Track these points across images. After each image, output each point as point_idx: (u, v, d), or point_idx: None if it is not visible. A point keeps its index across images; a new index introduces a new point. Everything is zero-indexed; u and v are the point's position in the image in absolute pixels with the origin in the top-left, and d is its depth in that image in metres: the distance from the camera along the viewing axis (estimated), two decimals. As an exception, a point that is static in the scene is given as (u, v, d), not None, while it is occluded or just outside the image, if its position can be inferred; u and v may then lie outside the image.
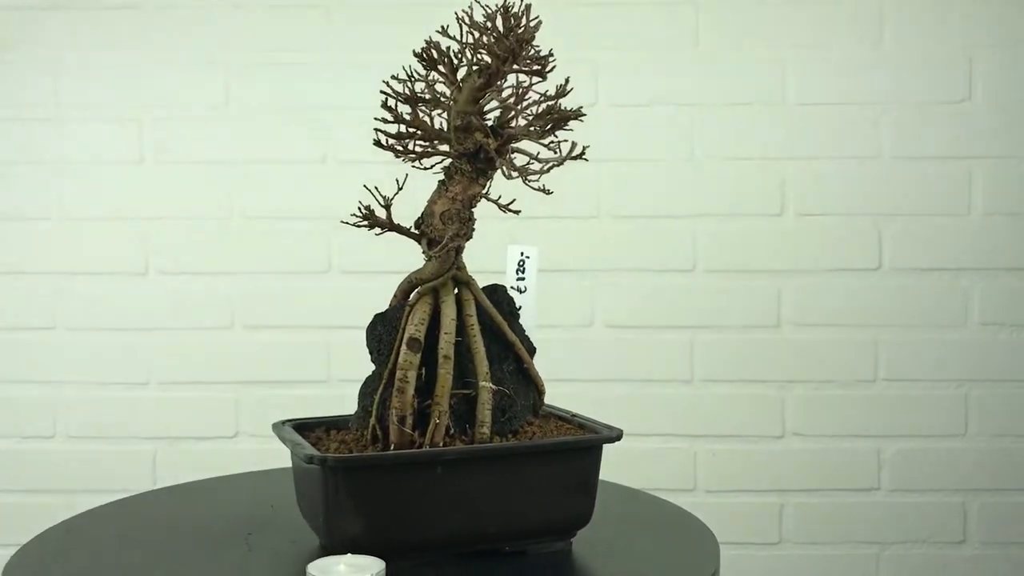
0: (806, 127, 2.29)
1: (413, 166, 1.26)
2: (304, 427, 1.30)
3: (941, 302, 2.28)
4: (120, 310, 2.31)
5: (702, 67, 2.29)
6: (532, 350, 1.32)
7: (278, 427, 1.29)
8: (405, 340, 1.20)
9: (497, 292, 1.33)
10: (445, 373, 1.20)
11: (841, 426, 2.30)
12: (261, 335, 2.32)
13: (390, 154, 2.35)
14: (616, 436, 1.24)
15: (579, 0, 2.27)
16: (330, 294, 2.31)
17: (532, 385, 1.30)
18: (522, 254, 1.39)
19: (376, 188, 1.25)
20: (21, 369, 2.32)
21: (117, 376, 2.32)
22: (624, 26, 2.28)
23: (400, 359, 1.19)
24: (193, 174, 2.31)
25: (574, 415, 1.33)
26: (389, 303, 1.29)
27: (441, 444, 1.18)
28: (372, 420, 1.20)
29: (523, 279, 1.40)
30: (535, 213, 1.37)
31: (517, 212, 1.27)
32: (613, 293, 2.30)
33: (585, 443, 1.24)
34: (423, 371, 1.20)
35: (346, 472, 1.13)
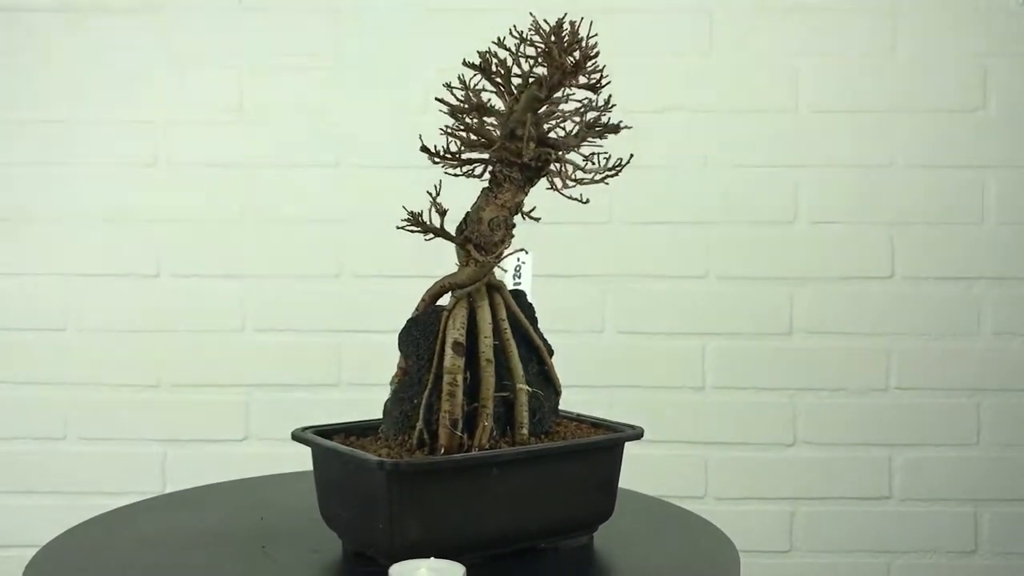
0: (819, 135, 2.28)
1: (446, 172, 1.26)
2: (322, 434, 1.30)
3: (954, 311, 2.28)
4: (131, 312, 2.32)
5: (715, 74, 2.29)
6: (551, 352, 1.34)
7: (304, 434, 1.27)
8: (450, 344, 1.21)
9: (519, 297, 1.35)
10: (489, 376, 1.22)
11: (852, 434, 2.29)
12: (272, 338, 2.32)
13: (403, 158, 2.36)
14: (639, 434, 1.32)
15: (591, 6, 2.26)
16: (341, 297, 2.31)
17: (551, 386, 1.33)
18: (518, 259, 1.41)
19: (433, 192, 1.25)
20: (31, 371, 2.32)
21: (127, 378, 2.32)
22: (637, 32, 2.28)
23: (447, 363, 1.20)
24: (205, 177, 2.32)
25: (579, 415, 1.38)
26: (416, 307, 1.29)
27: (488, 446, 1.21)
28: (419, 425, 1.20)
29: (519, 283, 1.42)
30: (547, 218, 1.38)
31: (537, 219, 1.28)
32: (624, 299, 2.30)
33: (616, 440, 1.31)
34: (467, 375, 1.22)
35: (415, 477, 1.14)
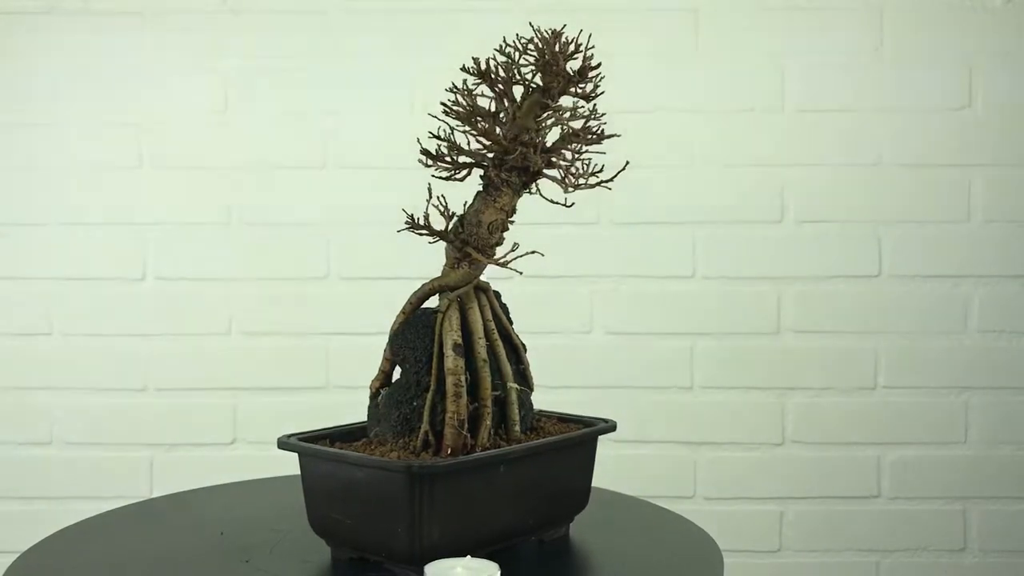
0: (806, 133, 2.28)
1: (435, 176, 1.28)
2: (306, 441, 1.29)
3: (941, 309, 2.28)
4: (118, 316, 2.31)
5: (702, 73, 2.29)
6: (525, 350, 1.37)
7: (299, 444, 1.26)
8: (450, 346, 1.23)
9: (497, 297, 1.36)
10: (486, 376, 1.25)
11: (841, 433, 2.29)
12: (259, 341, 2.31)
13: (389, 160, 2.36)
14: (613, 426, 1.37)
15: (577, 6, 2.27)
16: (328, 300, 2.30)
17: (526, 383, 1.36)
18: None
19: (443, 197, 1.28)
20: (18, 375, 2.31)
21: (114, 382, 2.31)
22: (623, 32, 2.28)
23: (450, 365, 1.22)
24: (191, 180, 2.31)
25: (540, 411, 1.41)
26: (403, 309, 1.29)
27: (488, 445, 1.24)
28: (424, 426, 1.21)
29: None
30: (535, 219, 1.38)
31: (511, 222, 1.29)
32: (613, 299, 2.30)
33: (598, 433, 1.36)
34: (467, 375, 1.24)
35: (437, 479, 1.16)
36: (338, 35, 2.30)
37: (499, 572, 1.07)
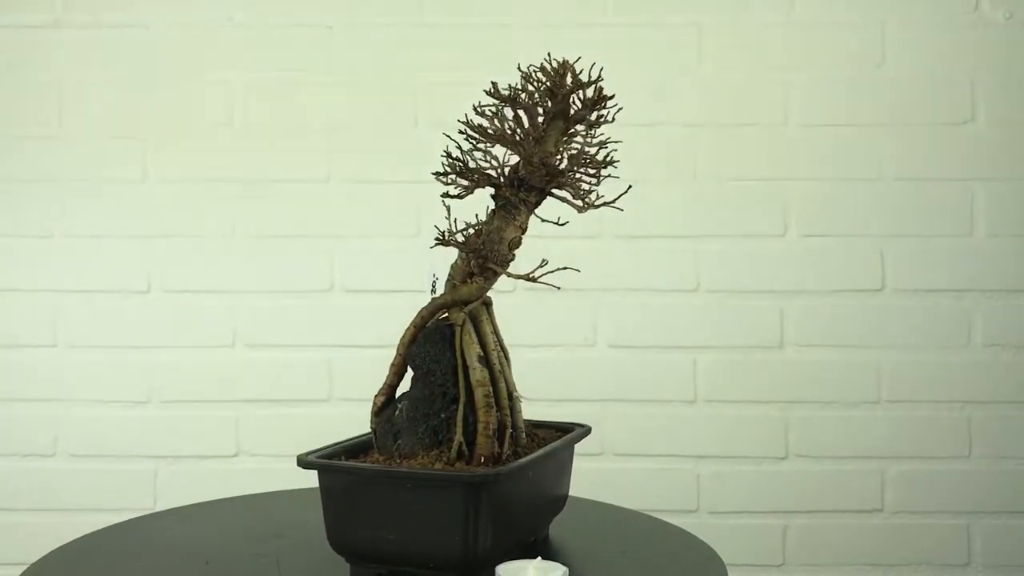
0: (809, 148, 2.29)
1: (446, 195, 1.31)
2: (324, 457, 1.29)
3: (944, 323, 2.28)
4: (122, 328, 2.31)
5: (705, 88, 2.30)
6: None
7: (318, 461, 1.26)
8: (475, 357, 1.27)
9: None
10: (503, 387, 1.30)
11: (844, 447, 2.29)
12: (263, 354, 2.31)
13: (393, 173, 2.37)
14: (588, 430, 1.44)
15: (581, 21, 2.28)
16: (332, 313, 2.31)
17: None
18: (433, 275, 1.46)
19: (484, 216, 1.32)
20: (22, 387, 2.31)
21: (118, 394, 2.31)
22: (627, 47, 2.29)
23: (478, 376, 1.26)
24: (196, 192, 2.32)
25: None
26: (413, 322, 1.30)
27: (511, 452, 1.28)
28: (458, 437, 1.24)
29: (435, 294, 1.46)
30: (538, 232, 1.38)
31: None
32: (616, 313, 2.30)
33: (582, 435, 1.42)
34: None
35: (493, 487, 1.18)
36: (342, 49, 2.31)
37: (567, 572, 1.11)
